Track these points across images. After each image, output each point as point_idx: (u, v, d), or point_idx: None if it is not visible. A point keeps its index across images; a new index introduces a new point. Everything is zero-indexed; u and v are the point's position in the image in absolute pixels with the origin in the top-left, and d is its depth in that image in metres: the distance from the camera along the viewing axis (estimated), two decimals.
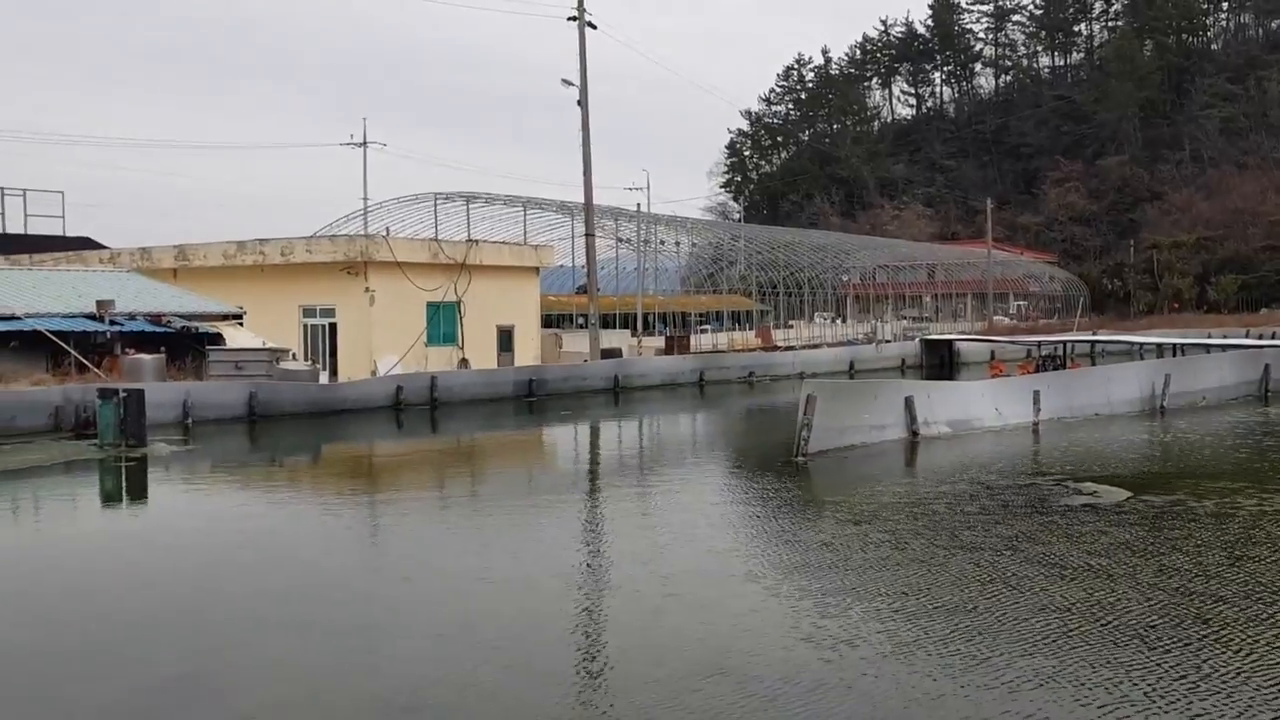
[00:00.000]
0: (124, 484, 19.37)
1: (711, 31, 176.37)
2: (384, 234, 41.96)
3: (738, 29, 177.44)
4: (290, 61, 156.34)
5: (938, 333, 63.68)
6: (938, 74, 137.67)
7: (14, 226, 46.81)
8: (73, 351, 27.50)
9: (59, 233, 47.92)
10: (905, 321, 75.89)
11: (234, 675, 8.89)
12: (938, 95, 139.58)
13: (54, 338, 27.48)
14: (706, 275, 69.44)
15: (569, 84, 40.08)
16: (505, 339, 41.21)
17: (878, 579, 11.29)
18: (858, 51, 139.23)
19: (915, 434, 22.12)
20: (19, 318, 27.61)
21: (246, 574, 12.42)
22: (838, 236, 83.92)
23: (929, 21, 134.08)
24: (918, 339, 55.27)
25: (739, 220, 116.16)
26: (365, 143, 63.85)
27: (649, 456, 24.22)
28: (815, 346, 55.86)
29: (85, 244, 46.59)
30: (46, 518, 17.14)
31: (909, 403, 22.21)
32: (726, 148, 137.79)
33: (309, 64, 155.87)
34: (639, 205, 64.58)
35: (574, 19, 39.72)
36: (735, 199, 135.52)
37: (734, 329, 61.97)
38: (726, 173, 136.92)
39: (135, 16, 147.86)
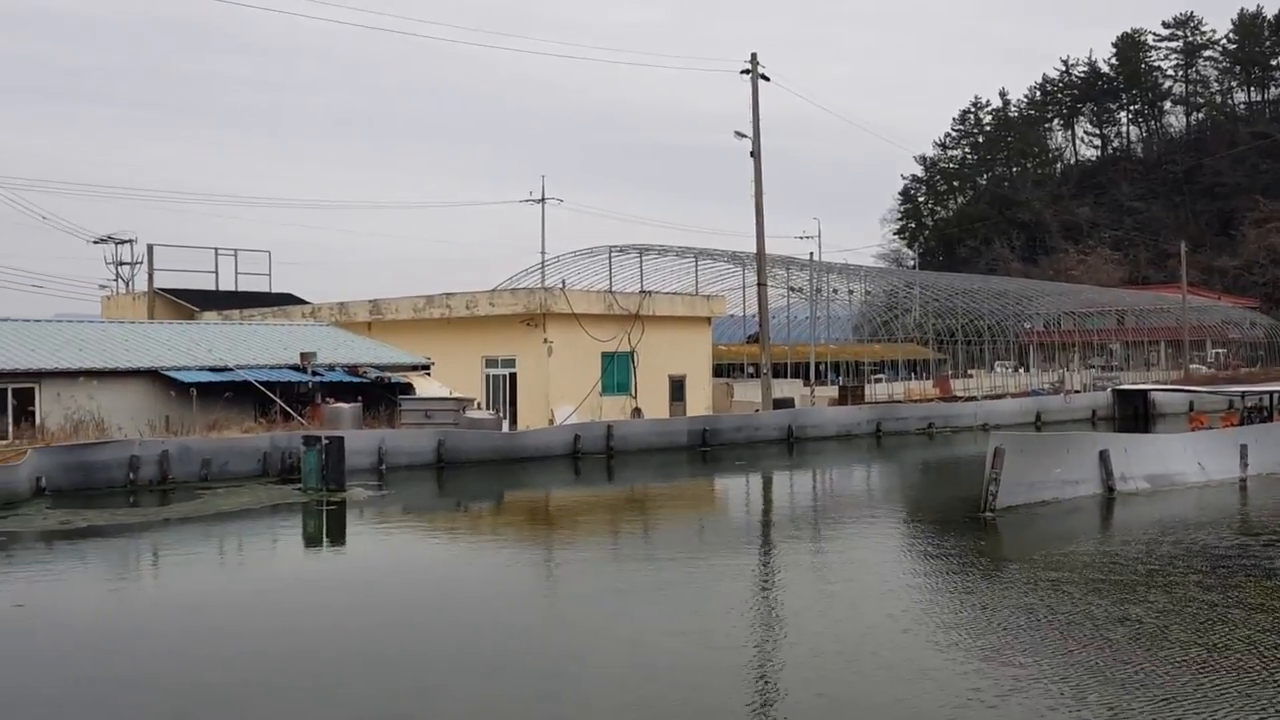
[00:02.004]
0: (325, 527, 20.45)
1: (885, 77, 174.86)
2: (561, 287, 43.14)
3: (912, 74, 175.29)
4: (476, 125, 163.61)
5: (1129, 382, 60.53)
6: (1124, 113, 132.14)
7: (226, 284, 50.49)
8: (279, 401, 29.32)
9: (265, 289, 51.34)
10: (1093, 370, 72.47)
11: (435, 716, 9.25)
12: (1124, 135, 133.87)
13: (262, 388, 29.37)
14: (880, 323, 68.24)
15: (742, 136, 40.45)
16: (677, 388, 41.54)
17: (1081, 651, 10.70)
18: (1037, 92, 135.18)
19: (1111, 490, 21.10)
20: (231, 369, 29.66)
21: (437, 617, 12.90)
22: (1019, 282, 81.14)
23: (1113, 60, 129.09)
24: (1109, 389, 52.67)
25: (914, 267, 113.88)
26: (543, 199, 65.74)
27: (825, 509, 23.90)
28: (998, 397, 53.95)
29: (288, 300, 49.72)
30: (255, 558, 18.25)
31: (1104, 456, 21.22)
32: (900, 194, 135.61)
33: (493, 126, 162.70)
34: (811, 254, 64.24)
35: (747, 72, 40.15)
36: (909, 245, 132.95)
37: (910, 378, 60.58)
38: (900, 219, 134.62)
39: (332, 85, 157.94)
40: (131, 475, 23.51)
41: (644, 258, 57.36)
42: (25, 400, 26.44)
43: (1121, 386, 53.93)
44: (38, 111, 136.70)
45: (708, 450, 33.24)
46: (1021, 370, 69.69)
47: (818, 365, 55.89)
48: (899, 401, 49.32)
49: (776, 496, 26.61)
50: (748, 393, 46.79)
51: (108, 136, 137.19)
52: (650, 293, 42.99)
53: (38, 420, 26.14)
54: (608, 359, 38.52)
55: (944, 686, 9.46)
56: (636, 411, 38.26)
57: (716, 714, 9.12)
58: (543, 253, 61.36)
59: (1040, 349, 75.36)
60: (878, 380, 58.23)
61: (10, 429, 25.70)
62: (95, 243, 54.16)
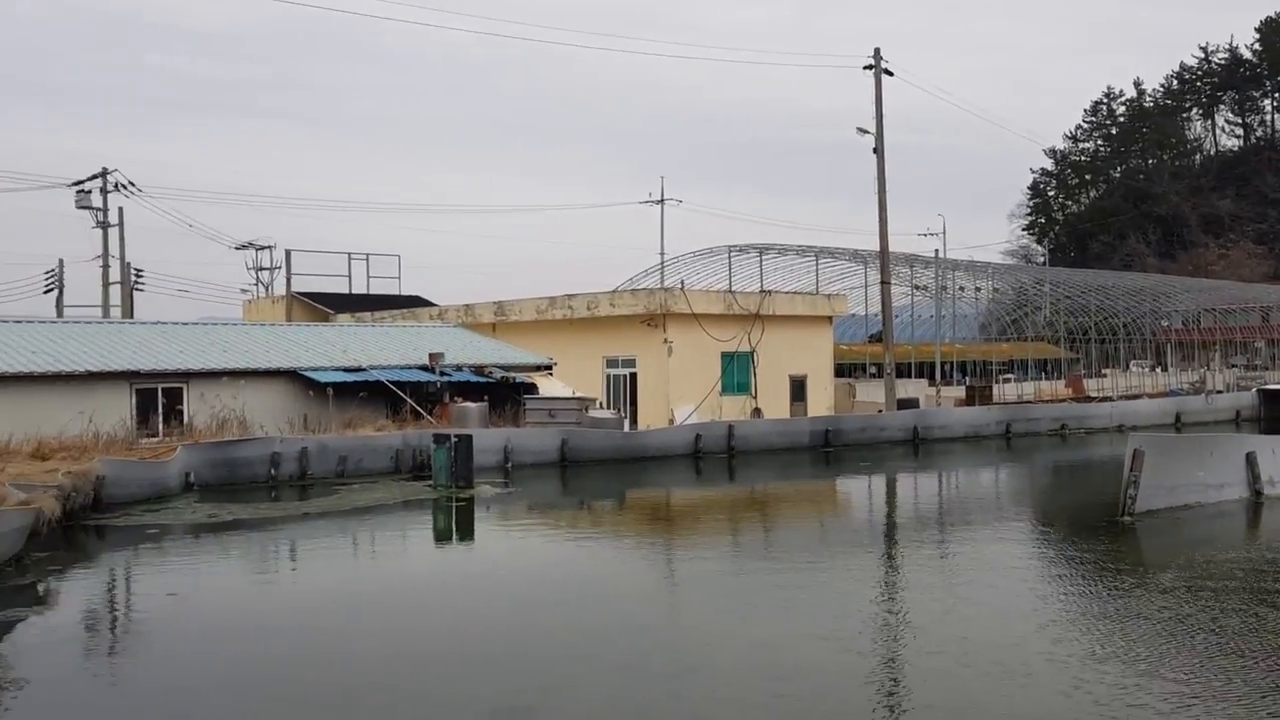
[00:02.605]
0: (454, 523, 20.97)
1: (1012, 69, 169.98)
2: (680, 287, 43.25)
3: (1040, 65, 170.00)
4: (597, 128, 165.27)
5: (1275, 382, 57.51)
6: (1268, 101, 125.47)
7: (358, 287, 52.23)
8: (409, 400, 30.18)
9: (395, 292, 52.94)
10: (1236, 370, 69.09)
11: (566, 710, 9.41)
12: (1268, 124, 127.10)
13: (394, 388, 30.29)
14: (1009, 322, 66.36)
15: (864, 132, 39.91)
16: (798, 388, 41.22)
17: (1252, 668, 10.22)
18: (1174, 81, 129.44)
19: (1259, 494, 20.12)
20: (365, 369, 30.66)
21: (563, 613, 13.08)
22: (1155, 278, 77.89)
23: (1256, 45, 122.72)
24: (1254, 389, 50.14)
25: (1043, 263, 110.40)
26: (662, 200, 65.92)
27: (953, 512, 23.41)
28: (1134, 397, 51.93)
29: (417, 302, 51.16)
30: (388, 553, 18.85)
31: (1251, 459, 20.25)
32: (1029, 188, 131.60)
33: (613, 129, 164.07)
34: (936, 251, 62.90)
35: (870, 67, 39.61)
36: (1038, 241, 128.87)
37: (1040, 378, 58.78)
38: (1029, 214, 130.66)
39: (461, 92, 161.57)
40: (273, 471, 24.54)
41: (764, 257, 56.99)
42: (174, 399, 27.84)
43: (1268, 386, 51.29)
44: (184, 124, 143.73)
45: (830, 451, 32.89)
46: (1158, 369, 66.94)
47: (943, 365, 54.71)
48: (1029, 402, 47.92)
49: (901, 498, 26.18)
50: (870, 393, 46.13)
51: (249, 147, 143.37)
52: (770, 292, 42.76)
53: (186, 418, 27.48)
54: (728, 359, 38.47)
55: (1101, 702, 9.10)
56: (756, 412, 38.11)
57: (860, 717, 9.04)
58: (661, 253, 61.62)
59: (1178, 347, 72.22)
60: (1006, 380, 56.70)
61: (160, 427, 27.10)
62: (237, 249, 56.73)
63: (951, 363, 58.17)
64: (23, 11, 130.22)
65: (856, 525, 21.67)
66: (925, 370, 56.67)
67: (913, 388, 48.59)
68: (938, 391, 49.54)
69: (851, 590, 14.12)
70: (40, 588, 14.60)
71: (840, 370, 50.83)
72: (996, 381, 55.01)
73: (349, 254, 52.29)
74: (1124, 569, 15.42)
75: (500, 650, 11.31)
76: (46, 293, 51.79)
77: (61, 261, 52.16)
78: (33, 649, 11.18)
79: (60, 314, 49.52)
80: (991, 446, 36.08)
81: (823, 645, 11.18)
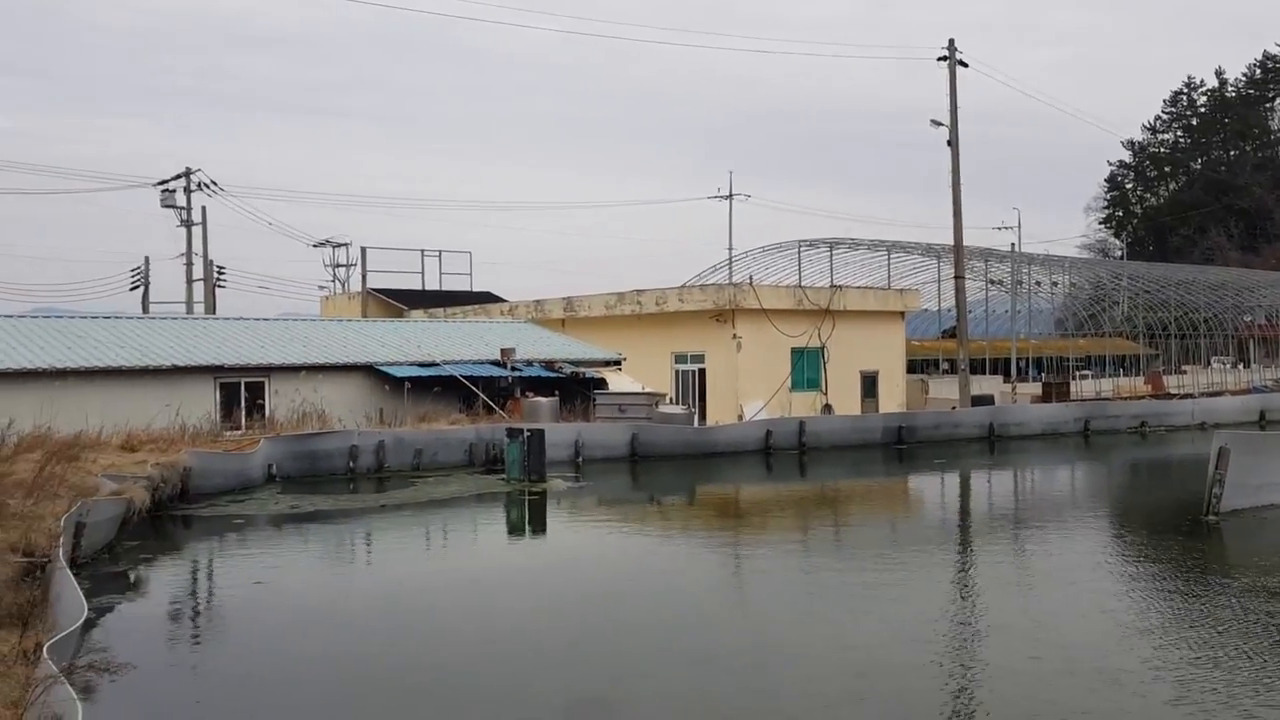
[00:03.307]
0: (527, 516, 21.23)
1: (1089, 60, 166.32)
2: (749, 282, 43.14)
3: (1117, 56, 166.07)
4: (668, 123, 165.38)
5: None
6: None
7: (431, 283, 52.98)
8: (481, 395, 30.58)
9: (467, 288, 53.58)
10: None
11: (645, 702, 9.51)
12: None
13: (466, 382, 30.71)
14: (1086, 317, 65.01)
15: (938, 124, 39.41)
16: (869, 384, 40.87)
17: None
18: (1257, 70, 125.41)
19: None
20: (438, 365, 31.14)
21: (637, 606, 13.20)
22: (1238, 273, 75.73)
23: None
24: None
25: (1121, 258, 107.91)
26: (731, 195, 65.93)
27: (1029, 510, 23.06)
28: (1216, 394, 50.58)
29: (488, 298, 51.69)
30: (463, 544, 19.15)
31: None
32: (1106, 181, 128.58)
33: (683, 124, 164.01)
34: (1012, 245, 61.90)
35: (944, 59, 39.09)
36: (1116, 235, 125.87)
37: (1118, 374, 57.51)
38: (1106, 207, 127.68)
39: (535, 92, 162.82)
40: (351, 464, 25.06)
41: (834, 251, 56.60)
42: (256, 393, 28.56)
43: None
44: (265, 125, 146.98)
45: (903, 448, 32.59)
46: (1240, 366, 65.07)
47: (1018, 361, 53.84)
48: (1107, 399, 46.94)
49: (976, 496, 25.86)
50: (943, 389, 45.55)
51: (328, 147, 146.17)
52: (841, 287, 42.45)
53: (267, 412, 28.18)
54: (797, 354, 38.29)
55: (1207, 709, 8.90)
56: (827, 408, 37.87)
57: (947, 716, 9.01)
58: (730, 248, 61.53)
59: (1262, 344, 70.12)
60: (1083, 376, 55.59)
61: (243, 420, 27.82)
62: (314, 246, 57.89)
63: (1027, 359, 57.21)
64: (110, 19, 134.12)
65: (930, 523, 21.49)
66: (1000, 366, 55.77)
67: (987, 384, 47.86)
68: (1013, 388, 48.74)
69: (925, 589, 14.03)
70: (131, 575, 15.12)
71: (912, 366, 50.24)
72: (1073, 378, 53.97)
73: (422, 251, 53.11)
74: (1211, 570, 15.10)
75: (577, 642, 11.46)
76: (133, 289, 53.39)
77: (147, 259, 53.73)
78: (126, 635, 11.58)
79: (146, 310, 50.99)
80: (1069, 444, 35.42)
81: (899, 643, 11.14)
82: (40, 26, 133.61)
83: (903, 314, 43.08)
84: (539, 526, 20.60)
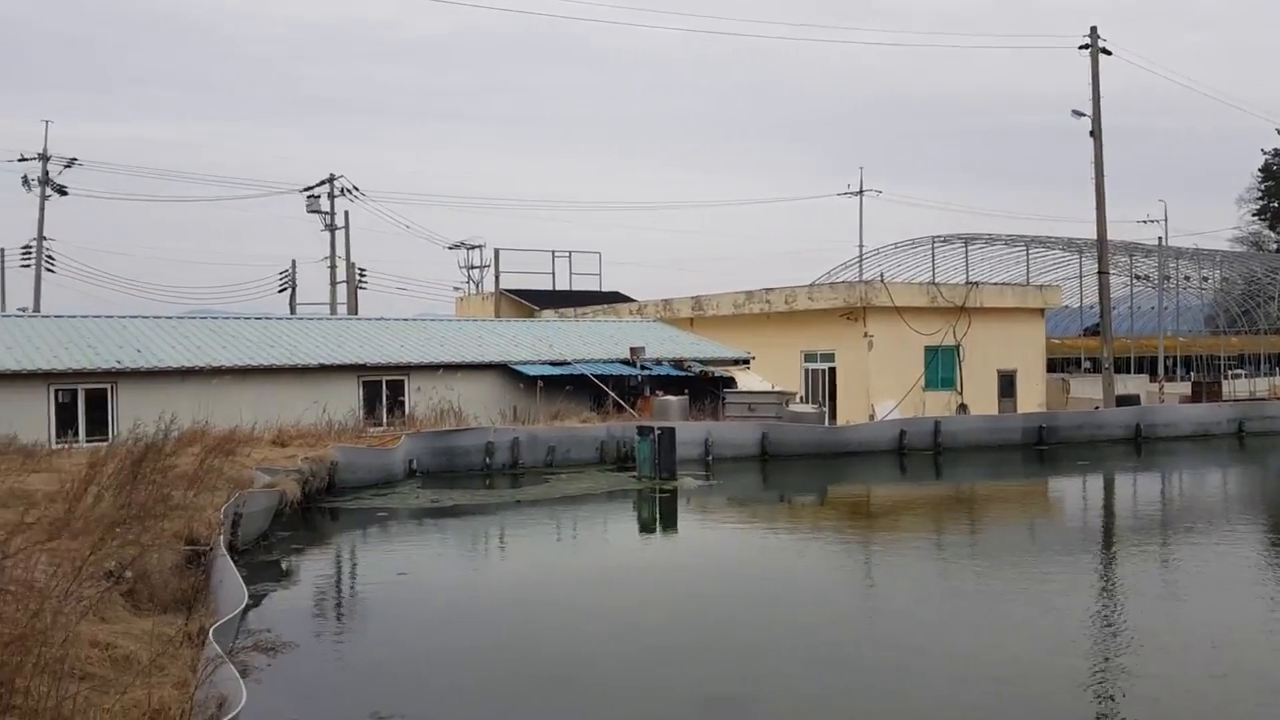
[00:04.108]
0: (658, 513, 21.41)
1: (1242, 44, 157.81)
2: (880, 279, 42.45)
3: (1270, 39, 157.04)
4: (796, 120, 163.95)
5: None
6: None
7: (561, 284, 53.82)
8: (611, 393, 30.96)
9: (596, 288, 54.24)
10: None
11: (780, 701, 9.52)
12: None
13: (597, 381, 31.13)
14: (1239, 313, 61.81)
15: (1080, 115, 38.06)
16: (1007, 384, 39.72)
17: None
18: None
19: None
20: (570, 363, 31.65)
21: (769, 606, 13.18)
22: None
23: None
24: None
25: (1276, 250, 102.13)
26: (861, 191, 65.08)
27: (1179, 515, 22.11)
28: None
29: (617, 297, 52.23)
30: (596, 541, 19.44)
31: None
32: (1259, 171, 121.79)
33: (813, 120, 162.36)
34: (1159, 239, 59.30)
35: (1086, 47, 37.72)
36: (1271, 228, 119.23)
37: (1275, 373, 54.49)
38: (1260, 198, 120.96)
39: (664, 91, 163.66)
40: (487, 460, 25.72)
41: (969, 247, 55.22)
42: (397, 391, 29.56)
43: None
44: (402, 130, 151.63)
45: (1044, 449, 31.61)
46: None
47: (1165, 359, 51.58)
48: (1263, 399, 44.55)
49: (1120, 499, 24.90)
50: (1085, 389, 43.98)
51: (462, 150, 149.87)
52: (977, 284, 41.40)
53: (407, 409, 29.13)
54: (931, 353, 37.50)
55: None
56: (962, 408, 36.99)
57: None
58: (860, 245, 60.74)
59: None
60: (1236, 375, 52.90)
61: (384, 416, 28.83)
62: (450, 248, 59.43)
63: (1174, 357, 54.78)
64: (255, 31, 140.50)
65: (1072, 527, 20.81)
66: (1145, 365, 53.55)
67: (1132, 383, 46.01)
68: (1160, 387, 46.74)
69: (1068, 595, 13.61)
70: (284, 564, 15.87)
71: (1052, 365, 48.65)
72: (1225, 377, 51.41)
73: (553, 252, 53.98)
74: None
75: (710, 639, 11.54)
76: (280, 291, 55.78)
77: (294, 262, 56.06)
78: (281, 621, 12.17)
79: (293, 311, 53.23)
80: (1222, 446, 33.78)
81: (1042, 650, 10.86)
82: (196, 41, 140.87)
83: (1042, 311, 41.74)
84: (670, 524, 20.75)
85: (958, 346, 37.84)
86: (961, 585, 14.50)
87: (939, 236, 55.24)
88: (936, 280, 46.78)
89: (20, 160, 49.38)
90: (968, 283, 41.87)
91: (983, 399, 38.17)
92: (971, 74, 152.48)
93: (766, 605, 13.22)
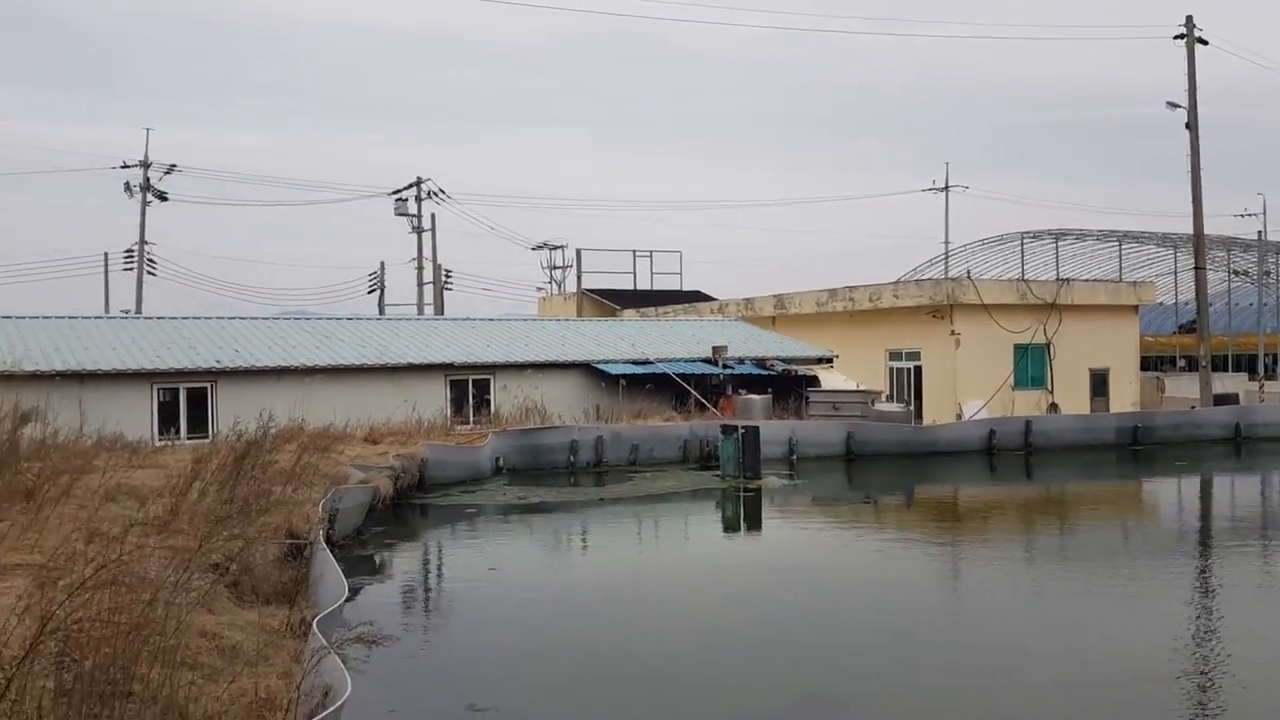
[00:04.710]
0: (742, 513, 21.40)
1: None
2: (967, 276, 41.78)
3: None
4: (879, 115, 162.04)
5: None
6: None
7: (642, 283, 53.98)
8: (693, 392, 31.01)
9: (677, 287, 54.29)
10: None
11: (875, 702, 9.48)
12: None
13: (679, 380, 31.21)
14: None
15: (1175, 106, 36.98)
16: (1099, 383, 38.78)
17: None
18: None
19: None
20: (652, 362, 31.79)
21: (857, 606, 13.12)
22: None
23: None
24: None
25: None
26: (947, 187, 64.04)
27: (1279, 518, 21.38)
28: None
29: (698, 297, 52.23)
30: (682, 538, 19.54)
31: None
32: None
33: (897, 115, 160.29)
34: (1259, 233, 57.29)
35: (1181, 37, 36.64)
36: None
37: None
38: None
39: (746, 90, 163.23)
40: (571, 458, 25.99)
41: (1059, 243, 54.04)
42: (483, 390, 30.02)
43: None
44: (486, 133, 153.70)
45: (1139, 449, 30.81)
46: None
47: (1265, 357, 49.84)
48: None
49: (1218, 502, 24.16)
50: (1181, 387, 42.74)
51: (545, 152, 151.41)
52: (1068, 280, 40.50)
53: (493, 407, 29.57)
54: (1020, 351, 36.80)
55: None
56: (1053, 407, 36.23)
57: None
58: (946, 242, 59.83)
59: None
60: None
61: (471, 415, 29.30)
62: (533, 249, 60.02)
63: (1274, 355, 52.89)
64: (344, 38, 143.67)
65: (1167, 529, 20.27)
66: (1243, 364, 51.84)
67: (1230, 382, 44.57)
68: (1261, 386, 45.17)
69: (1160, 596, 13.32)
70: (377, 559, 16.25)
71: (1146, 364, 47.38)
72: None
73: (634, 251, 54.15)
74: None
75: (796, 638, 11.53)
76: (370, 293, 57.03)
77: (383, 264, 57.29)
78: (376, 613, 12.48)
79: (382, 312, 54.39)
80: None
81: (1134, 649, 10.64)
82: (291, 50, 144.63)
83: (1136, 308, 40.66)
84: (754, 523, 20.73)
85: (1048, 344, 37.07)
86: (1053, 587, 14.26)
87: (1028, 232, 54.17)
88: (1025, 277, 45.84)
89: (123, 167, 51.20)
90: (1058, 279, 40.97)
91: (1074, 398, 37.33)
92: (1061, 66, 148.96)
93: (853, 605, 13.16)
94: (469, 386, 29.84)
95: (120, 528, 10.46)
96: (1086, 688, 9.58)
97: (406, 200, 52.35)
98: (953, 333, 36.10)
